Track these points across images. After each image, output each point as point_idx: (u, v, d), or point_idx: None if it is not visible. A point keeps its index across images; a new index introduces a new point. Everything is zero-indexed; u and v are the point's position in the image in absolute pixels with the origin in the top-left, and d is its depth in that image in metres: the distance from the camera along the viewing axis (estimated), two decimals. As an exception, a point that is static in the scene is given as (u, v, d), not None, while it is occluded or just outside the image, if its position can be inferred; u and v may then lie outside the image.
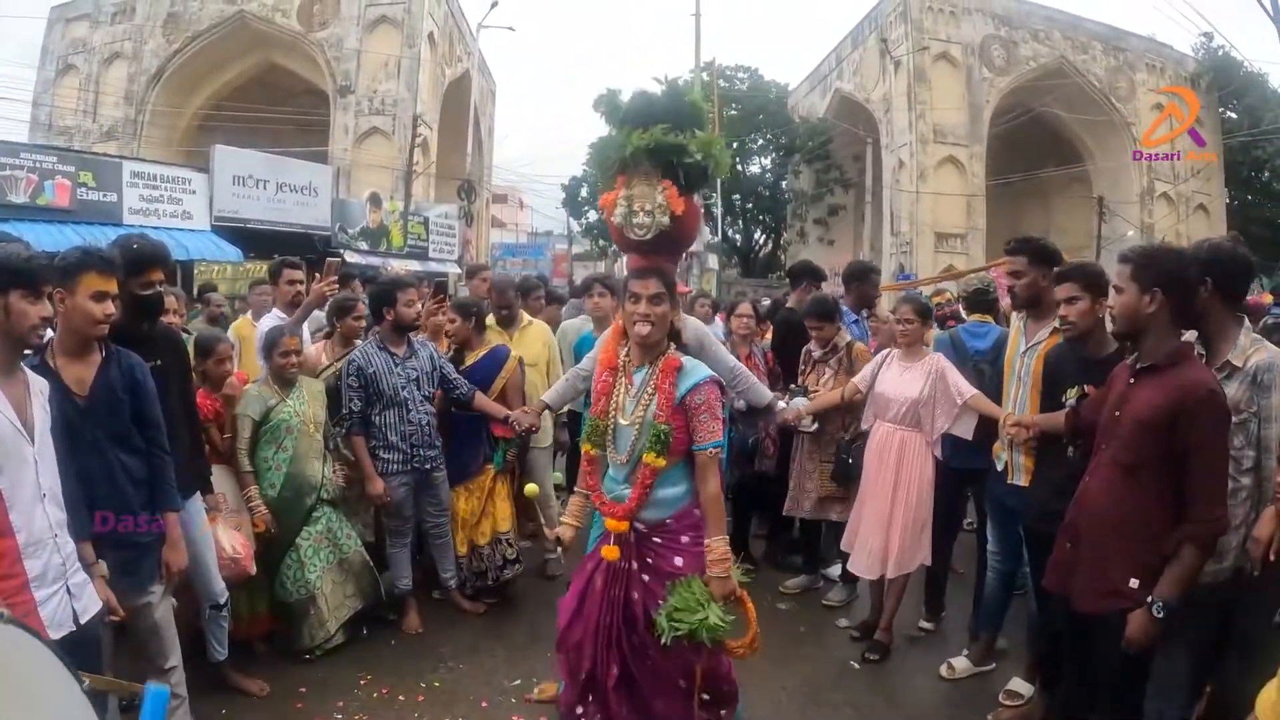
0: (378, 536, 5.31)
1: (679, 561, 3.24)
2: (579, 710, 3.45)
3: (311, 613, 4.56)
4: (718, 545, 3.18)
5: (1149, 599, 2.80)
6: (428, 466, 5.06)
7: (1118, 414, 3.03)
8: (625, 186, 3.76)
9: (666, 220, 3.71)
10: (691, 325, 4.38)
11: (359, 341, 5.26)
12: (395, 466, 4.95)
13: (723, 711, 3.44)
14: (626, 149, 3.71)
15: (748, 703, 3.91)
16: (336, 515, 4.81)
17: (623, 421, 3.30)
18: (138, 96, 30.37)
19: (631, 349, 3.37)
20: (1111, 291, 3.08)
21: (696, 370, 3.28)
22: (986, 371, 4.70)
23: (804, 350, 5.71)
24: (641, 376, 3.31)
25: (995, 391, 4.45)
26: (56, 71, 31.77)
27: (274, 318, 5.42)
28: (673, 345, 3.38)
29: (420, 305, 5.39)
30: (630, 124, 3.81)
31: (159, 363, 3.62)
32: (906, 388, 4.72)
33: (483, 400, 5.20)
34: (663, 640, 3.11)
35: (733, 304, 6.53)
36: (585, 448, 3.51)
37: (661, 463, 3.19)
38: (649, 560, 3.28)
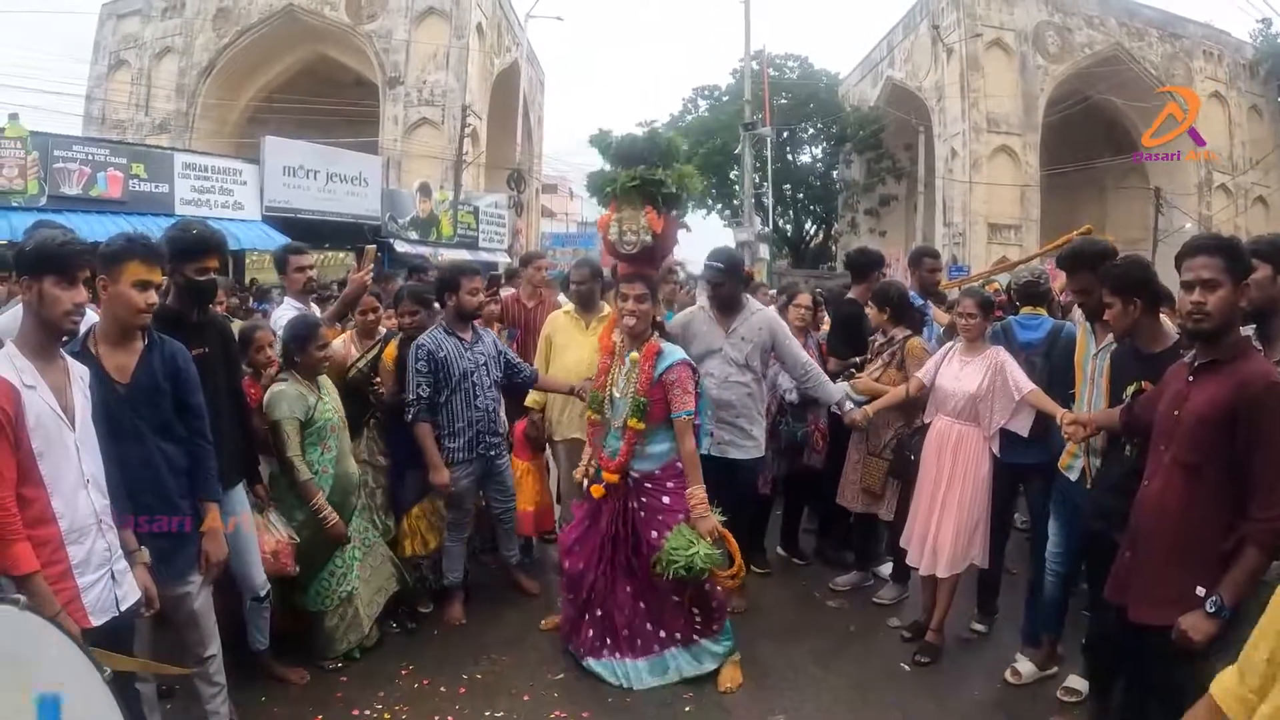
0: None
1: (666, 500, 4.26)
2: (581, 623, 4.45)
3: (349, 615, 4.40)
4: (697, 492, 4.16)
5: (1204, 593, 2.66)
6: (492, 453, 5.02)
7: (1177, 413, 2.89)
8: (616, 211, 4.62)
9: (649, 238, 4.55)
10: (766, 316, 5.16)
11: (383, 329, 5.28)
12: (460, 455, 4.86)
13: (714, 627, 4.34)
14: (616, 183, 4.56)
15: (796, 700, 4.16)
16: (360, 510, 4.68)
17: (616, 394, 4.34)
18: (189, 90, 30.88)
19: (623, 337, 4.38)
20: (1197, 288, 2.79)
21: (671, 354, 4.28)
22: (1038, 364, 4.56)
23: (869, 339, 5.67)
24: (630, 358, 4.29)
25: (1047, 384, 4.37)
26: (109, 67, 32.35)
27: (289, 307, 5.16)
28: (655, 333, 4.35)
29: (483, 294, 5.29)
30: (618, 163, 4.71)
31: (206, 350, 3.61)
32: (965, 382, 4.61)
33: (546, 380, 5.35)
34: (665, 576, 4.04)
35: (790, 293, 6.30)
36: (589, 415, 4.56)
37: (641, 426, 4.21)
38: (644, 499, 4.29)
